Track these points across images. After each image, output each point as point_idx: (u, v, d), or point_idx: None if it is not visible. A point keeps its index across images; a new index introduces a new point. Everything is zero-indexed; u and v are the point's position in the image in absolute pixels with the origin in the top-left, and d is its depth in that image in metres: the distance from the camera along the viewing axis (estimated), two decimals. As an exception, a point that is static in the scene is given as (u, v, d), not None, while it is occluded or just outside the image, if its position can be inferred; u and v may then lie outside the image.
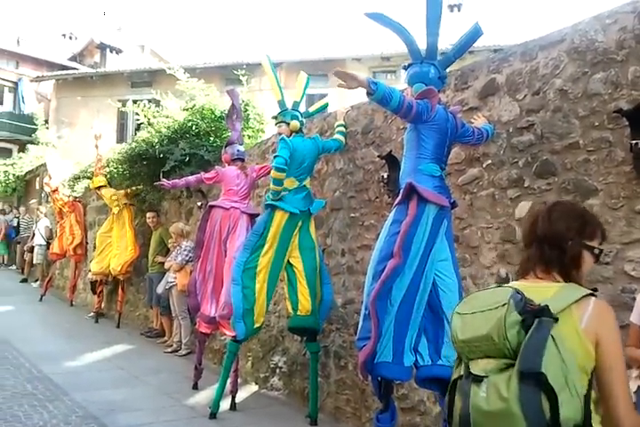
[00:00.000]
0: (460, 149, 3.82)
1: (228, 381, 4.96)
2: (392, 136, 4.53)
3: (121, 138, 19.06)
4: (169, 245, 7.56)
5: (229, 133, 7.55)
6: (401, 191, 3.37)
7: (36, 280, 13.26)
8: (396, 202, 3.44)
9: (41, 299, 11.14)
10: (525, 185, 3.43)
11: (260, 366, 5.85)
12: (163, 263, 7.52)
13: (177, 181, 6.24)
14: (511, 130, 3.55)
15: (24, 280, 13.71)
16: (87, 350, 7.13)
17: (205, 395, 5.34)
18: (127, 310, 9.25)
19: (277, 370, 5.57)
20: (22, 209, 15.69)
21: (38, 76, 21.43)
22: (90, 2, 59.12)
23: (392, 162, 4.43)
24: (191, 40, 59.79)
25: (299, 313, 4.63)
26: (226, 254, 5.33)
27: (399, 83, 18.32)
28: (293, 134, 4.81)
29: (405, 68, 3.52)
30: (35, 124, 19.66)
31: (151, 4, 64.51)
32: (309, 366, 4.85)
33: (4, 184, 17.65)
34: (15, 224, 15.47)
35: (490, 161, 3.68)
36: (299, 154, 4.63)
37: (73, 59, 25.81)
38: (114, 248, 9.13)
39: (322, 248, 5.00)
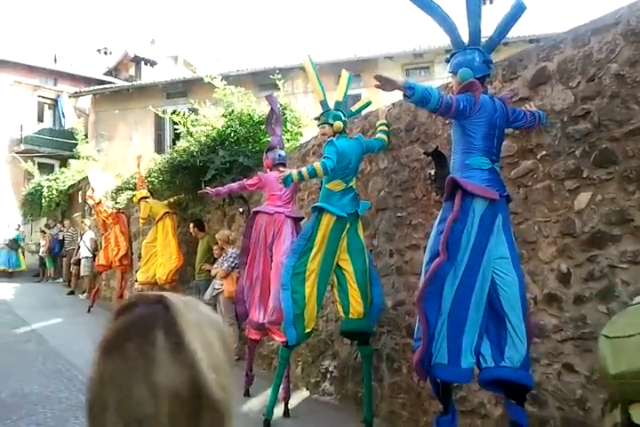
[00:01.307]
0: (511, 142, 3.69)
1: (281, 387, 4.90)
2: (437, 132, 4.42)
3: (159, 148, 19.29)
4: (215, 254, 7.55)
5: (268, 139, 7.56)
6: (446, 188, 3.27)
7: (84, 292, 13.46)
8: (443, 199, 3.33)
9: (89, 310, 11.29)
10: (584, 175, 3.28)
11: (310, 371, 5.78)
12: (209, 271, 7.53)
13: (220, 188, 6.22)
14: (566, 119, 3.41)
15: (71, 293, 13.95)
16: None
17: (258, 402, 5.29)
18: (174, 318, 9.28)
19: (328, 375, 5.49)
20: (67, 223, 15.98)
21: (76, 92, 21.88)
22: (123, 17, 60.44)
23: (439, 158, 4.31)
24: (222, 48, 60.41)
25: (351, 316, 4.54)
26: (272, 260, 5.28)
27: (433, 79, 18.14)
28: (337, 135, 4.70)
29: (448, 59, 3.41)
30: (75, 139, 20.01)
31: (182, 16, 65.54)
32: (361, 370, 4.76)
33: (48, 199, 18.00)
34: (60, 238, 15.77)
35: (544, 152, 3.53)
36: (345, 155, 4.52)
37: (109, 73, 26.30)
38: (159, 257, 9.19)
39: (369, 249, 4.91)
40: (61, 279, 16.03)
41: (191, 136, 8.25)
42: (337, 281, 4.71)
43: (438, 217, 3.30)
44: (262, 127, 7.69)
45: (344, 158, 4.51)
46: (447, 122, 4.31)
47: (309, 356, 5.80)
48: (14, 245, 17.15)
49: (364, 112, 5.42)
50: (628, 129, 3.04)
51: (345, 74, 5.04)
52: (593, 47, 3.27)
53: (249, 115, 7.64)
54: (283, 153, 5.88)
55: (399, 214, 4.77)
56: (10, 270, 16.86)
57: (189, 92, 19.15)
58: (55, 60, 27.47)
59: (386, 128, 4.87)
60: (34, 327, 9.55)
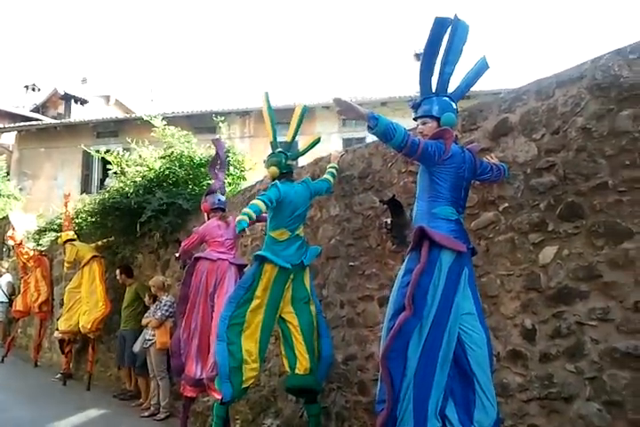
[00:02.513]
0: (472, 192, 3.59)
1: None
2: (393, 180, 4.31)
3: (85, 189, 18.62)
4: (146, 302, 7.09)
5: (208, 181, 7.32)
6: (412, 237, 3.13)
7: (-4, 339, 12.46)
8: (407, 250, 3.18)
9: (2, 360, 10.42)
10: (549, 229, 3.21)
11: (250, 431, 5.39)
12: (137, 320, 7.06)
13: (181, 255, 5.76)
14: (529, 171, 3.36)
15: (-18, 340, 12.87)
16: (58, 416, 6.50)
17: (193, 466, 4.86)
18: (97, 370, 8.65)
19: (271, 435, 5.12)
20: (-18, 264, 14.90)
21: (1, 128, 20.95)
22: (53, 54, 59.33)
23: (395, 207, 4.21)
24: (155, 90, 59.96)
25: (297, 371, 4.25)
26: (213, 309, 4.96)
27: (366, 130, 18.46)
28: (282, 180, 4.48)
29: (416, 104, 3.32)
30: (-5, 177, 19.04)
31: (114, 56, 65.03)
32: (308, 430, 4.46)
33: (-38, 238, 16.86)
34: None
35: (507, 204, 3.47)
36: (289, 202, 4.31)
37: (36, 110, 25.48)
38: (83, 304, 8.57)
39: (318, 300, 4.67)
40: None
41: (125, 176, 7.90)
42: (281, 334, 4.44)
43: (402, 268, 3.13)
44: (203, 170, 7.47)
45: (288, 206, 4.31)
46: (403, 170, 4.23)
47: (249, 413, 5.42)
48: None
49: (314, 155, 5.26)
50: (595, 183, 3.01)
51: (299, 108, 4.73)
52: (558, 100, 3.26)
53: (189, 157, 7.40)
54: (222, 198, 5.66)
55: (351, 263, 4.59)
56: None
57: (121, 131, 18.71)
58: (-21, 93, 26.41)
59: (334, 171, 4.71)
60: (-63, 380, 8.67)
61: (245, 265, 5.23)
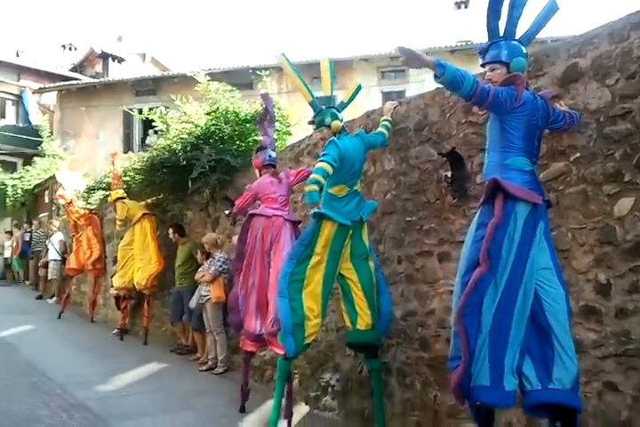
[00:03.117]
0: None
1: (283, 403, 4.58)
2: (451, 132, 4.15)
3: (127, 147, 18.74)
4: (198, 259, 7.17)
5: (255, 138, 7.25)
6: (485, 190, 3.01)
7: (52, 296, 12.89)
8: (480, 203, 3.07)
9: (60, 316, 10.77)
10: (626, 180, 3.04)
11: (309, 385, 5.46)
12: (192, 278, 7.15)
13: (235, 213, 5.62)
14: (602, 119, 3.18)
15: (39, 297, 13.33)
16: (118, 370, 6.75)
17: (256, 418, 4.98)
18: (153, 325, 8.88)
19: (329, 389, 5.18)
20: (35, 223, 15.31)
21: (41, 88, 21.14)
22: (89, 12, 59.06)
23: (455, 160, 4.07)
24: (191, 47, 59.58)
25: (358, 327, 4.24)
26: (270, 266, 4.96)
27: (407, 83, 17.97)
28: (337, 135, 4.38)
29: (483, 50, 3.14)
30: (39, 137, 19.31)
31: (150, 13, 64.42)
32: (367, 385, 4.49)
33: (12, 199, 17.29)
34: (27, 239, 15.06)
35: (578, 154, 3.30)
36: (348, 157, 4.20)
37: (74, 69, 25.53)
38: (136, 261, 8.76)
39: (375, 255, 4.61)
40: (28, 282, 15.37)
41: (169, 134, 7.87)
42: (341, 291, 4.42)
43: (475, 222, 3.02)
44: (248, 126, 7.38)
45: (347, 161, 4.20)
46: (463, 121, 4.06)
47: (307, 368, 5.49)
48: None
49: (362, 106, 5.08)
50: (678, 130, 2.82)
51: (324, 62, 4.56)
52: (633, 43, 3.04)
53: (235, 112, 7.30)
54: (273, 154, 5.55)
55: (408, 219, 4.50)
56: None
57: (159, 89, 18.67)
58: (17, 54, 26.52)
59: (388, 124, 4.56)
60: (3, 335, 9.03)
61: (299, 222, 5.19)
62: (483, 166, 3.20)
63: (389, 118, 4.62)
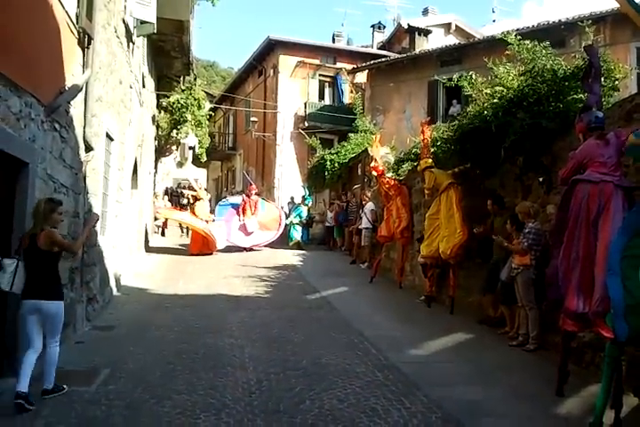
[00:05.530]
0: None
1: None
2: None
3: (432, 119, 18.87)
4: (508, 229, 6.80)
5: (574, 96, 6.54)
6: None
7: (364, 262, 13.76)
8: None
9: (371, 280, 11.44)
10: None
11: (638, 373, 4.77)
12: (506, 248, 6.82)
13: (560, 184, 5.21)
14: None
15: (352, 262, 14.37)
16: (426, 337, 6.84)
17: (575, 404, 4.56)
18: (459, 295, 8.80)
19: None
20: (349, 194, 16.59)
21: (354, 68, 22.50)
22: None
23: None
24: (496, 10, 57.62)
25: None
26: (597, 238, 4.39)
27: None
28: None
29: None
30: (352, 114, 20.76)
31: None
32: None
33: (330, 172, 19.00)
34: (344, 209, 16.45)
35: None
36: None
37: (382, 47, 26.61)
38: (442, 230, 8.75)
39: None
40: (343, 248, 16.73)
41: (480, 99, 7.57)
42: None
43: None
44: (566, 84, 6.68)
45: None
46: None
47: (637, 354, 4.80)
48: (309, 222, 18.26)
49: None
50: None
51: None
52: None
53: (552, 70, 6.67)
54: (600, 114, 4.88)
55: None
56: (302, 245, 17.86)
57: (464, 57, 18.33)
58: (333, 39, 28.70)
59: None
60: (323, 295, 9.92)
61: (634, 188, 4.50)
62: None
63: None
